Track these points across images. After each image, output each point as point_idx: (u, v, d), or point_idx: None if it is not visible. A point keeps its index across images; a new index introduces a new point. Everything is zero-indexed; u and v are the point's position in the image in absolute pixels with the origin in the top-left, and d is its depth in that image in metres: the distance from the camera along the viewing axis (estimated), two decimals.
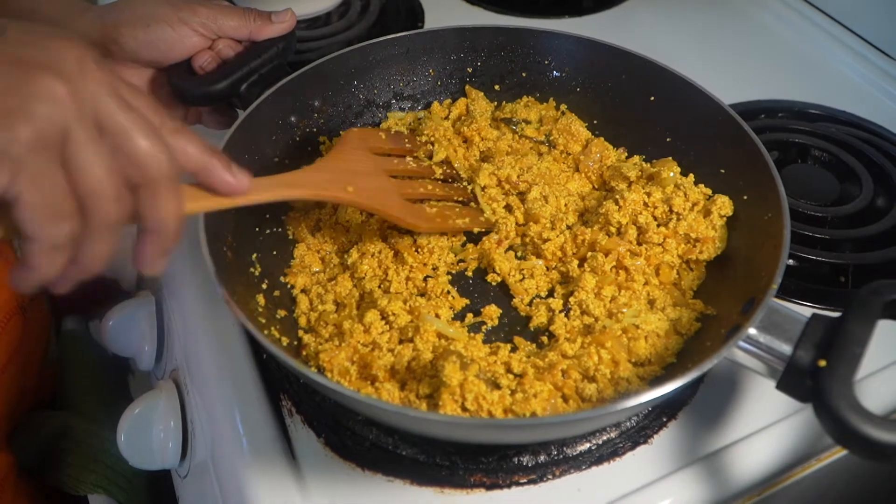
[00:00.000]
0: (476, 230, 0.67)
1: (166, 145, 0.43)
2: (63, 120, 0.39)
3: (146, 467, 0.67)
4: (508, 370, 0.56)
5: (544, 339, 0.60)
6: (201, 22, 0.66)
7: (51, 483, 0.77)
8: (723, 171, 0.66)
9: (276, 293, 0.62)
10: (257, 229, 0.64)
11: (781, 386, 0.49)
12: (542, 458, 0.55)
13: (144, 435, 0.65)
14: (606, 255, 0.62)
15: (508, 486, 0.54)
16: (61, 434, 0.79)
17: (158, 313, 0.75)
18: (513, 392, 0.53)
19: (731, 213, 0.63)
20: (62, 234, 0.40)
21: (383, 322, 0.59)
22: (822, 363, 0.46)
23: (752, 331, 0.49)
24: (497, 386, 0.53)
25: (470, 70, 0.77)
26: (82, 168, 0.40)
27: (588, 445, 0.56)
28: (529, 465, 0.55)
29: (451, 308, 0.62)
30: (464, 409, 0.51)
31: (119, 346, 0.76)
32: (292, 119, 0.70)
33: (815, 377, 0.46)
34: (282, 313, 0.60)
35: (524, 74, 0.77)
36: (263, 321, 0.56)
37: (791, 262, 0.69)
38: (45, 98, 0.39)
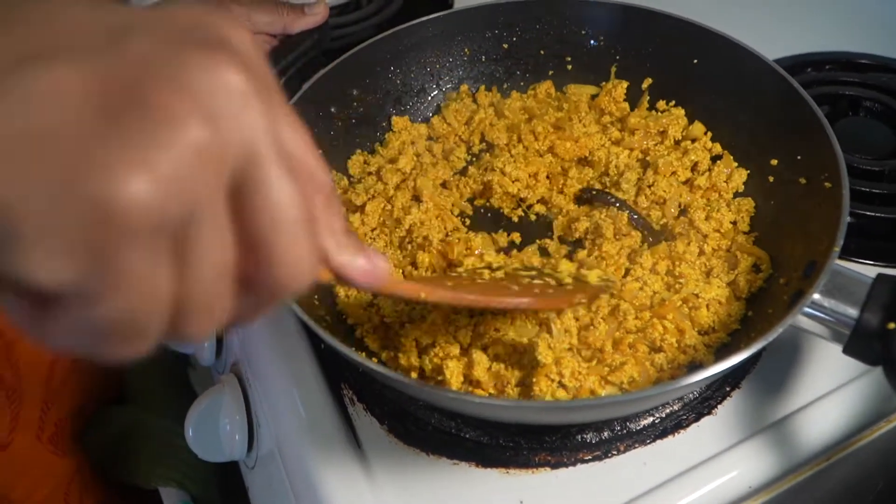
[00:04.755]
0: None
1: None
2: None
3: (215, 460, 0.68)
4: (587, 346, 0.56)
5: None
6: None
7: (122, 477, 0.79)
8: (774, 130, 0.64)
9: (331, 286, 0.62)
10: None
11: (848, 350, 0.48)
12: (605, 434, 0.55)
13: (212, 429, 0.66)
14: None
15: (574, 464, 0.54)
16: (132, 429, 0.81)
17: None
18: (599, 363, 0.53)
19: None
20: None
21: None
22: (892, 325, 0.45)
23: (816, 296, 0.47)
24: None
25: (506, 46, 0.76)
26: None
27: (651, 419, 0.55)
28: (593, 441, 0.54)
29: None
30: (561, 385, 0.51)
31: (179, 344, 0.77)
32: (332, 109, 0.70)
33: (885, 340, 0.45)
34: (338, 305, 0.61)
35: (560, 46, 0.76)
36: (321, 314, 0.57)
37: (849, 219, 0.67)
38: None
